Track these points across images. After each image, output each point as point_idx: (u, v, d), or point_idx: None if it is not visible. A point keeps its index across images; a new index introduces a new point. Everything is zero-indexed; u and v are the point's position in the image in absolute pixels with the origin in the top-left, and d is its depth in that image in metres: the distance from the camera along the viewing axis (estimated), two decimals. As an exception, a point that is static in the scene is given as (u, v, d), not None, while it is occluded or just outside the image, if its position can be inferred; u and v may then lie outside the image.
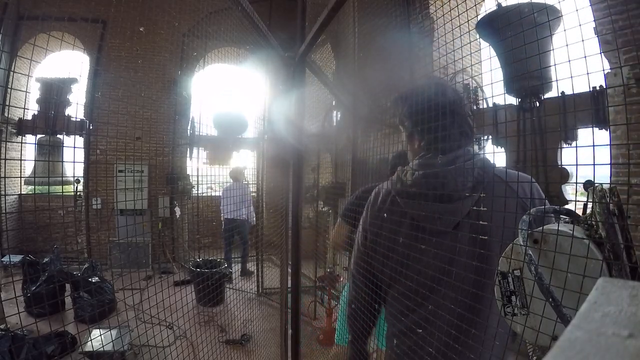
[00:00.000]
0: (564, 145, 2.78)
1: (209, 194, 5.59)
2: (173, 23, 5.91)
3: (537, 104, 2.76)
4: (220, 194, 5.13)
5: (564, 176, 2.61)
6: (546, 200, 0.88)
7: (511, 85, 2.76)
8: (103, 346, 2.70)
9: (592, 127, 2.55)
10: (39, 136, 5.85)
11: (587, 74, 0.63)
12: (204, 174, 3.57)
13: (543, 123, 2.76)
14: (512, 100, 3.00)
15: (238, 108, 4.23)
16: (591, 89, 2.43)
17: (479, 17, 2.45)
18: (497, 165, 0.96)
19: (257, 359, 3.08)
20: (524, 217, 0.68)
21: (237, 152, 5.23)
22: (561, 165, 2.71)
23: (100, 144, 5.65)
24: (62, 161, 6.14)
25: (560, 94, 2.62)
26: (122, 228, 5.34)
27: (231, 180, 4.96)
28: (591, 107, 2.43)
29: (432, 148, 0.97)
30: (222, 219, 5.28)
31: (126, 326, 2.87)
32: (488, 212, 0.86)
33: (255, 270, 4.72)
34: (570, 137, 2.68)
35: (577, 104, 2.44)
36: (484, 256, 0.85)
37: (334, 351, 2.13)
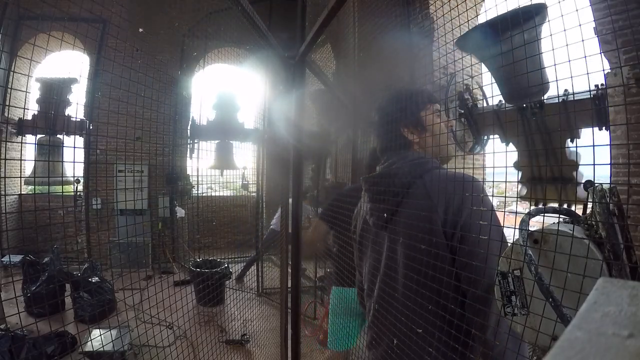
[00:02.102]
0: (568, 145, 2.77)
1: (209, 194, 5.59)
2: (173, 23, 5.91)
3: (539, 107, 2.75)
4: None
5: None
6: (484, 200, 0.87)
7: (510, 99, 2.75)
8: (103, 346, 2.69)
9: (592, 127, 2.55)
10: (39, 136, 5.84)
11: (587, 74, 0.63)
12: (204, 174, 3.57)
13: (543, 124, 2.76)
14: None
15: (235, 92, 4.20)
16: (593, 88, 2.41)
17: (461, 35, 2.42)
18: (438, 169, 0.99)
19: (257, 359, 3.08)
20: (524, 217, 0.68)
21: (238, 152, 5.22)
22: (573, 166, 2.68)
23: (100, 144, 5.65)
24: (62, 161, 6.13)
25: (563, 92, 2.58)
26: (122, 228, 5.34)
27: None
28: (592, 108, 2.42)
29: (381, 153, 1.11)
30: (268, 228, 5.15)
31: (126, 326, 2.87)
32: (404, 214, 0.94)
33: (255, 270, 4.72)
34: (575, 136, 2.66)
35: (578, 108, 2.43)
36: (402, 254, 0.94)
37: (327, 354, 2.13)
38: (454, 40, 2.34)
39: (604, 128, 2.35)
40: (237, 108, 4.29)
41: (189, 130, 5.29)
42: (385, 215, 0.99)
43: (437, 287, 0.83)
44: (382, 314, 0.99)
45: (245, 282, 4.90)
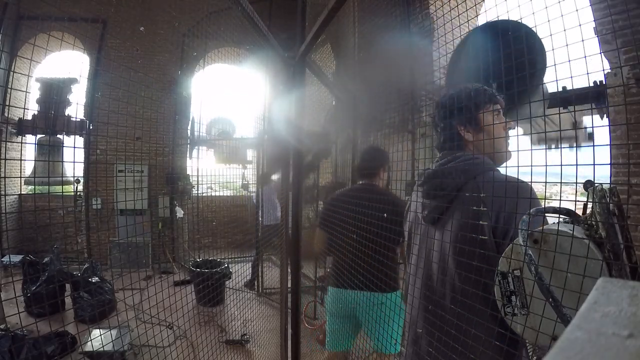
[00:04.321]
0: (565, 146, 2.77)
1: (209, 194, 5.58)
2: (173, 23, 5.91)
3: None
4: (255, 199, 4.95)
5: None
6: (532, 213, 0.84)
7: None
8: (103, 346, 2.69)
9: (592, 127, 2.54)
10: (39, 136, 5.84)
11: (587, 73, 0.63)
12: (204, 174, 3.56)
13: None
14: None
15: (231, 111, 4.21)
16: (592, 84, 2.40)
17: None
18: (494, 172, 0.96)
19: (257, 359, 3.08)
20: (524, 217, 0.68)
21: (241, 151, 5.21)
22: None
23: (100, 144, 5.65)
24: (62, 161, 6.14)
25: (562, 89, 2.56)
26: (122, 228, 5.33)
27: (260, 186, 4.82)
28: (591, 108, 2.42)
29: (438, 149, 1.11)
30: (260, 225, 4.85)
31: (126, 326, 2.87)
32: (455, 213, 0.94)
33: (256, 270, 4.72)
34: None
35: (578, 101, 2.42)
36: (451, 253, 0.93)
37: (327, 354, 2.12)
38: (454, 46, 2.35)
39: (605, 116, 2.34)
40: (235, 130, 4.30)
41: (188, 131, 5.29)
42: (436, 211, 0.99)
43: (482, 294, 0.81)
44: (431, 311, 0.98)
45: (255, 286, 4.82)
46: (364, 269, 1.58)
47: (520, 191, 0.83)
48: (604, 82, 2.35)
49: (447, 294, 0.94)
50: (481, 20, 2.80)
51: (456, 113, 1.01)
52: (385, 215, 1.49)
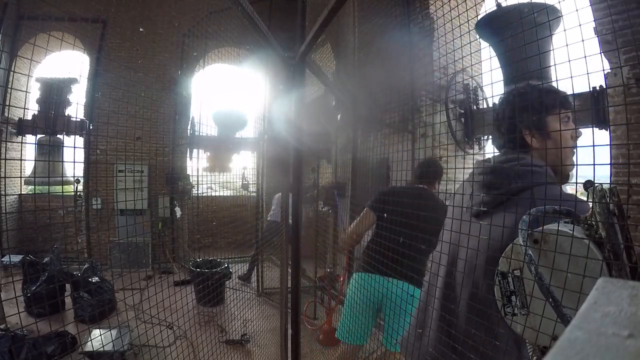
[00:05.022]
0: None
1: (209, 194, 5.58)
2: (173, 23, 5.91)
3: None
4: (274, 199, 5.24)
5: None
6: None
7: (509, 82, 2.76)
8: (103, 346, 2.69)
9: (592, 127, 2.55)
10: (39, 136, 5.84)
11: (587, 73, 0.63)
12: (204, 174, 3.56)
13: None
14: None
15: (238, 105, 4.22)
16: (591, 89, 2.42)
17: (479, 17, 2.43)
18: (553, 185, 0.90)
19: (257, 359, 3.08)
20: (524, 217, 0.68)
21: (237, 154, 5.22)
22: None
23: (100, 144, 5.65)
24: (62, 161, 6.14)
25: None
26: (122, 228, 5.33)
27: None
28: (591, 107, 2.43)
29: (498, 147, 1.06)
30: (266, 220, 5.18)
31: (126, 326, 2.87)
32: (504, 217, 0.86)
33: (256, 270, 4.72)
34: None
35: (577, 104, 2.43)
36: (489, 252, 0.88)
37: (341, 350, 2.13)
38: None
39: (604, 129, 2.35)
40: (241, 126, 4.31)
41: (188, 130, 5.27)
42: (487, 205, 0.93)
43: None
44: (446, 308, 0.95)
45: (251, 282, 4.90)
46: (404, 257, 1.58)
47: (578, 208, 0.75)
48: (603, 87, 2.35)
49: (468, 292, 0.91)
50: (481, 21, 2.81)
51: (524, 113, 0.94)
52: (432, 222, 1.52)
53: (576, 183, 0.66)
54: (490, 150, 3.16)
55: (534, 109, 0.93)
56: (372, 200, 2.07)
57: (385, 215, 1.88)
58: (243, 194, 5.97)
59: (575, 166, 0.83)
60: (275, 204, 5.19)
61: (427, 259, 1.81)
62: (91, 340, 2.72)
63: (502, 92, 1.07)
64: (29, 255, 3.96)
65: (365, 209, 2.05)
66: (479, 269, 0.89)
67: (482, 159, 1.07)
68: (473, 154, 3.48)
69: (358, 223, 2.08)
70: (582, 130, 1.00)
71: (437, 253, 1.10)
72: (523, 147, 0.96)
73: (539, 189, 0.86)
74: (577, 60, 0.63)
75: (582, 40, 0.64)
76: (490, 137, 1.15)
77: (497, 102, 1.08)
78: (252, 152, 4.78)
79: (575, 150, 0.97)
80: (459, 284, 0.95)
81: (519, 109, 0.94)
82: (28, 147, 7.78)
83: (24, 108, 5.72)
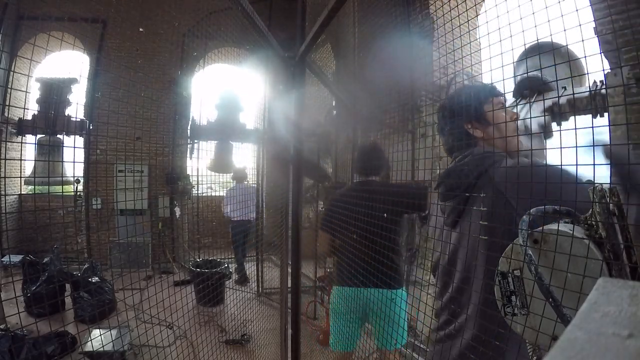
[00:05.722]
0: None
1: (209, 194, 5.58)
2: (173, 23, 5.91)
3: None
4: (225, 195, 5.15)
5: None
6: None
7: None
8: (103, 346, 2.69)
9: (592, 127, 2.54)
10: (39, 136, 5.84)
11: (587, 74, 0.63)
12: (204, 174, 3.56)
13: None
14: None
15: (235, 89, 4.22)
16: (590, 85, 2.40)
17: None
18: (504, 161, 0.91)
19: (257, 359, 3.08)
20: (524, 217, 0.68)
21: (237, 155, 5.21)
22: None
23: (100, 144, 5.65)
24: (62, 161, 6.14)
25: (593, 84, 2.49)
26: (122, 228, 5.33)
27: (234, 182, 4.99)
28: (590, 105, 2.41)
29: (449, 152, 1.09)
30: (229, 221, 5.13)
31: (126, 326, 2.87)
32: (474, 211, 0.90)
33: (255, 271, 4.71)
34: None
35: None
36: (478, 252, 0.89)
37: (327, 354, 2.13)
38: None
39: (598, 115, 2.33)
40: (239, 109, 4.30)
41: (189, 130, 5.27)
42: (454, 213, 0.96)
43: None
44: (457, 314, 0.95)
45: (249, 280, 4.90)
46: (371, 265, 1.58)
47: (536, 177, 0.73)
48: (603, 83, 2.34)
49: (472, 305, 0.90)
50: (481, 21, 2.80)
51: (461, 112, 0.99)
52: (385, 215, 1.50)
53: (576, 183, 0.66)
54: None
55: (471, 105, 0.99)
56: (321, 220, 2.08)
57: (335, 229, 1.88)
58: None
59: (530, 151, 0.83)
60: (229, 198, 5.00)
61: (401, 246, 1.82)
62: (91, 340, 2.72)
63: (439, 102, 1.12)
64: (29, 255, 3.96)
65: (319, 232, 2.08)
66: (480, 268, 0.89)
67: (439, 170, 1.11)
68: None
69: (319, 246, 2.09)
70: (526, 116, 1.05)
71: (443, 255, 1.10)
72: (470, 142, 1.01)
73: (495, 167, 0.89)
74: (577, 60, 0.63)
75: (582, 40, 0.65)
76: (440, 144, 1.18)
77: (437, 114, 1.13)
78: (253, 147, 4.77)
79: (517, 131, 1.04)
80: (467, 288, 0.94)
81: (457, 109, 1.00)
82: (28, 147, 7.79)
83: (24, 108, 5.72)
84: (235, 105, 4.16)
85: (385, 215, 1.52)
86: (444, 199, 1.00)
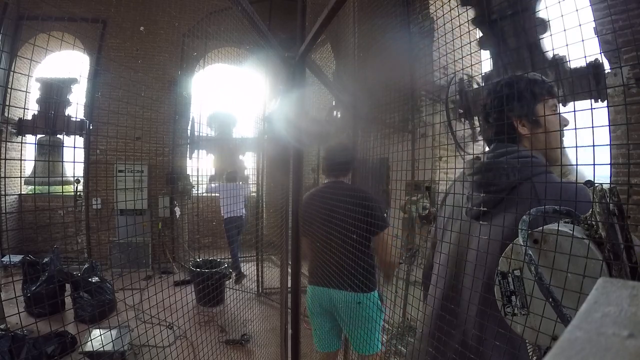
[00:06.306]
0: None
1: (209, 194, 5.58)
2: (173, 23, 5.91)
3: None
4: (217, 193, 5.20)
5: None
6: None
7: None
8: (103, 346, 2.69)
9: (592, 127, 2.53)
10: (39, 136, 5.85)
11: (587, 74, 0.63)
12: (204, 174, 3.57)
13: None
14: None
15: (229, 106, 4.23)
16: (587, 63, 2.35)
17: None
18: (550, 174, 0.89)
19: (257, 359, 3.08)
20: (524, 217, 0.68)
21: (242, 154, 5.22)
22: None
23: (100, 144, 5.65)
24: (62, 161, 6.14)
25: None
26: (122, 228, 5.33)
27: (220, 182, 5.04)
28: (590, 90, 2.37)
29: (487, 141, 1.05)
30: (222, 219, 5.20)
31: (126, 326, 2.87)
32: (508, 212, 0.85)
33: (255, 270, 4.72)
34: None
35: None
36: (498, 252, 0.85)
37: (320, 356, 2.10)
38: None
39: (599, 100, 2.31)
40: (234, 125, 4.31)
41: (188, 131, 5.28)
42: (486, 206, 0.91)
43: None
44: (450, 311, 0.93)
45: (245, 276, 4.90)
46: (340, 266, 1.58)
47: (579, 196, 0.74)
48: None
49: (477, 296, 0.88)
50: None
51: (513, 103, 0.94)
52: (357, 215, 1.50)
53: (576, 183, 0.66)
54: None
55: (523, 98, 0.94)
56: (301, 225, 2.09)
57: (309, 230, 1.86)
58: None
59: (577, 166, 0.82)
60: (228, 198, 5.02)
61: (371, 248, 1.80)
62: (91, 340, 2.72)
63: (489, 84, 1.06)
64: (29, 255, 3.96)
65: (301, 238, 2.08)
66: (490, 271, 0.87)
67: (472, 158, 1.05)
68: (473, 155, 3.48)
69: (302, 254, 2.09)
70: (571, 115, 1.02)
71: (437, 253, 1.09)
72: (511, 137, 0.97)
73: (539, 178, 0.86)
74: (577, 60, 0.63)
75: (582, 40, 0.65)
76: (479, 128, 1.13)
77: (485, 94, 1.07)
78: (253, 153, 4.80)
79: (563, 137, 0.98)
80: (467, 288, 0.92)
81: (506, 98, 0.95)
82: (28, 147, 7.79)
83: (24, 108, 5.72)
84: (230, 124, 4.17)
85: (354, 236, 1.52)
86: (478, 190, 0.95)
